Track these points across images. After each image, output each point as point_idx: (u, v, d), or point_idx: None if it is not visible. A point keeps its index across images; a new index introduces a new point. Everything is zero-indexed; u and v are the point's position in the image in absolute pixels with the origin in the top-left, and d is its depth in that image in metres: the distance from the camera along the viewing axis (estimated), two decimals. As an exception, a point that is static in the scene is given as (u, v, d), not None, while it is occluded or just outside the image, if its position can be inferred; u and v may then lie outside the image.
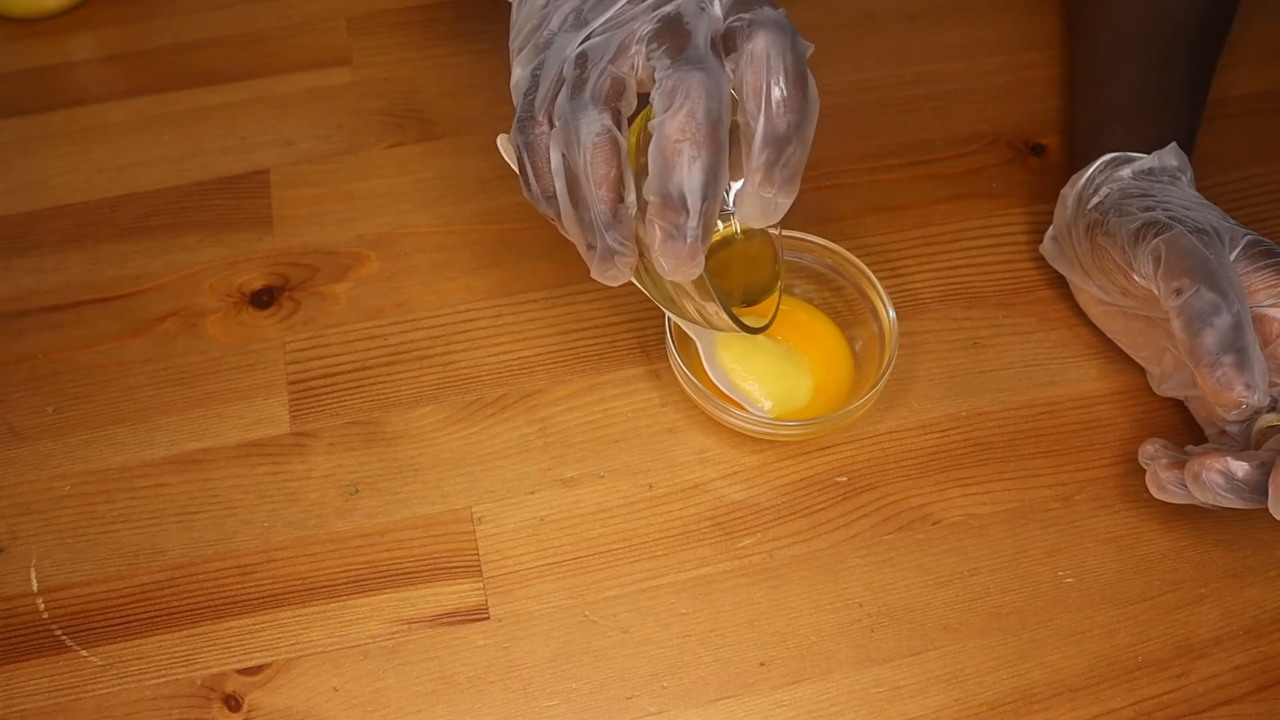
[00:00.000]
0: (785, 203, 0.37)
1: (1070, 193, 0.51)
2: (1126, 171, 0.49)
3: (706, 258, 0.37)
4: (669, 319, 0.49)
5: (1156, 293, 0.44)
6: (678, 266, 0.37)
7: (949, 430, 0.51)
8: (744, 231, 0.47)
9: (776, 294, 0.46)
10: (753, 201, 0.37)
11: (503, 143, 0.47)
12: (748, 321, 0.43)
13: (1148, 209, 0.46)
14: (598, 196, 0.37)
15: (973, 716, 0.44)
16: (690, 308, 0.42)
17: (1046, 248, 0.53)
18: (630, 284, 0.49)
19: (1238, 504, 0.42)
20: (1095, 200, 0.49)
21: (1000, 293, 0.55)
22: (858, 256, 0.51)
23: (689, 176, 0.35)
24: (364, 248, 0.56)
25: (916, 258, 0.56)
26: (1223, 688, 0.45)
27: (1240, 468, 0.42)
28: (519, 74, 0.41)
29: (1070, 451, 0.50)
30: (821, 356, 0.51)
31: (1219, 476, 0.42)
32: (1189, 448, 0.46)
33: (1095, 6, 0.59)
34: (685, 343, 0.50)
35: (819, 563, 0.47)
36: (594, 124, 0.37)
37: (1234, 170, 0.57)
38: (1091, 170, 0.50)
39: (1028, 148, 0.60)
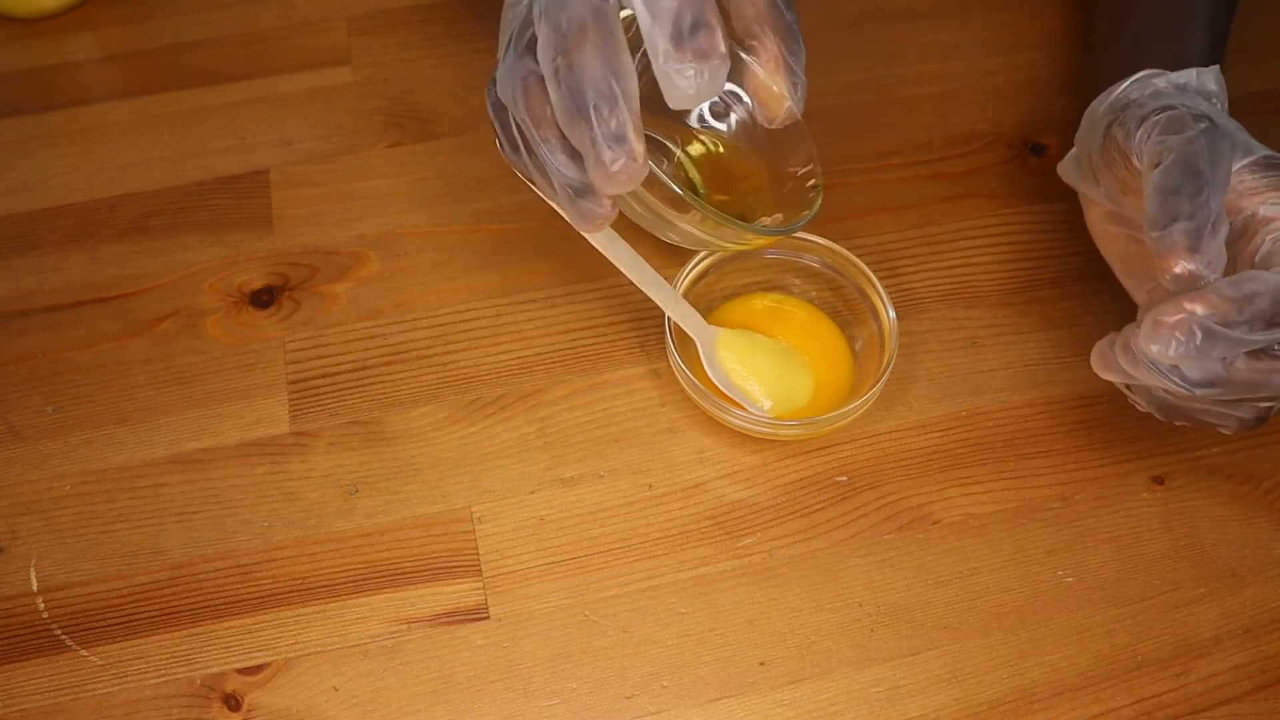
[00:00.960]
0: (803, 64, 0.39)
1: (1101, 104, 0.49)
2: (1161, 81, 0.48)
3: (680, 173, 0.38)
4: (669, 319, 0.49)
5: (1144, 168, 0.43)
6: (608, 179, 0.37)
7: (949, 430, 0.51)
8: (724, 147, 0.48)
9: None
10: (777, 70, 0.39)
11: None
12: (759, 234, 0.44)
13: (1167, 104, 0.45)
14: (538, 138, 0.38)
15: (972, 716, 0.44)
16: (686, 224, 0.42)
17: (1066, 165, 0.51)
18: (631, 284, 0.49)
19: (1162, 381, 0.40)
20: (1122, 104, 0.47)
21: (1000, 292, 0.55)
22: (858, 256, 0.51)
23: (570, 87, 0.36)
24: (364, 248, 0.56)
25: (916, 258, 0.56)
26: (1222, 687, 0.45)
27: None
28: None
29: (1070, 451, 0.50)
30: (821, 356, 0.51)
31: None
32: None
33: None
34: (685, 343, 0.50)
35: (819, 562, 0.47)
36: (519, 69, 0.38)
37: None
38: (1124, 85, 0.48)
39: (1028, 148, 0.60)
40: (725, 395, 0.49)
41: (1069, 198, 0.57)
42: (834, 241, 0.52)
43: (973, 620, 0.46)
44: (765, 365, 0.50)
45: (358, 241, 0.57)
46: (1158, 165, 0.42)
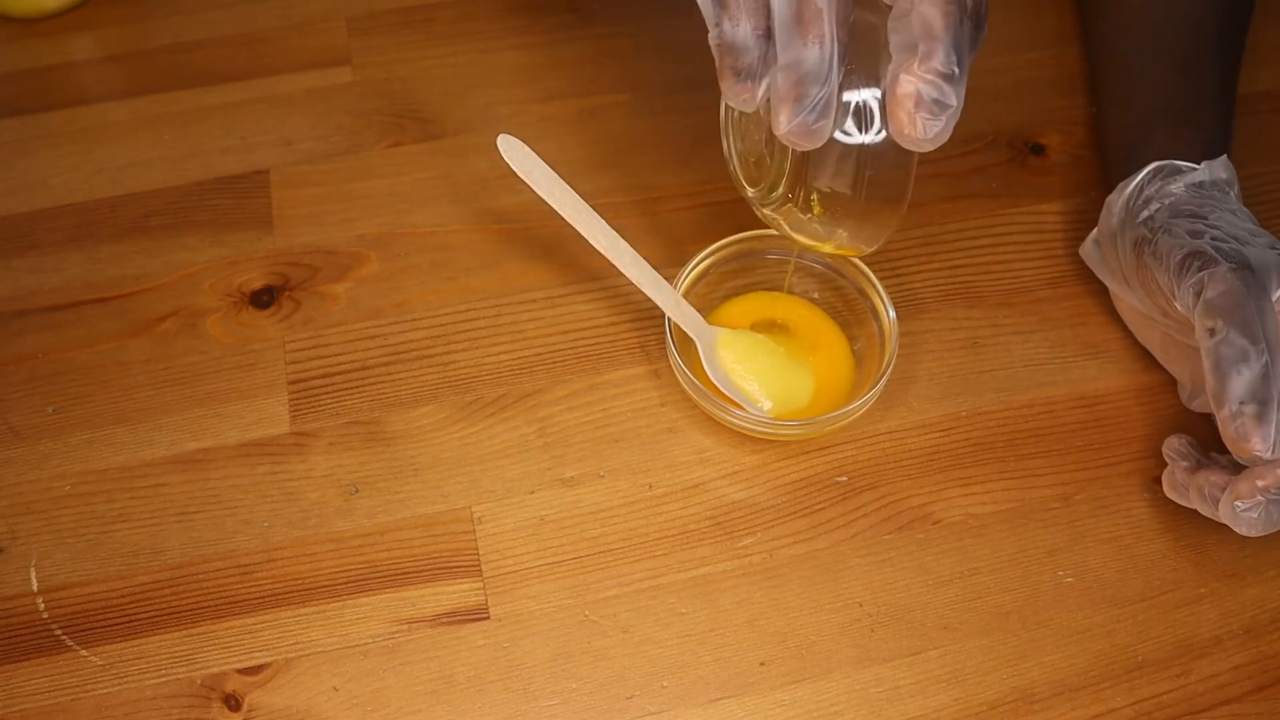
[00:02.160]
0: (954, 106, 0.35)
1: (1117, 200, 0.50)
2: (1178, 186, 0.49)
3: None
4: (669, 319, 0.49)
5: (1194, 324, 0.44)
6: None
7: (949, 430, 0.51)
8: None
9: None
10: (929, 89, 0.35)
11: (503, 143, 0.48)
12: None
13: (1196, 234, 0.46)
14: (839, 36, 0.35)
15: (972, 716, 0.44)
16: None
17: (1087, 251, 0.52)
18: (631, 284, 0.49)
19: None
20: (1145, 214, 0.48)
21: (1000, 292, 0.55)
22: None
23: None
24: (364, 247, 0.56)
25: (916, 258, 0.56)
26: (1222, 687, 0.45)
27: None
28: None
29: (1070, 451, 0.50)
30: (822, 356, 0.51)
31: (1217, 492, 0.43)
32: (1213, 455, 0.46)
33: (1113, 7, 0.58)
34: (685, 343, 0.50)
35: (819, 562, 0.47)
36: None
37: (1237, 169, 0.57)
38: (1140, 178, 0.50)
39: (1028, 148, 0.60)
40: (725, 395, 0.49)
41: (1069, 197, 0.58)
42: (834, 241, 0.52)
43: (973, 620, 0.46)
44: (765, 365, 0.50)
45: (358, 241, 0.57)
46: (1212, 332, 0.43)
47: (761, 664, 0.45)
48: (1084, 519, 0.48)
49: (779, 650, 0.45)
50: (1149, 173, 0.50)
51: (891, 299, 0.50)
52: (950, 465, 0.50)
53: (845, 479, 0.49)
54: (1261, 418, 0.41)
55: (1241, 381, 0.41)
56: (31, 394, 0.52)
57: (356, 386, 0.52)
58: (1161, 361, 0.51)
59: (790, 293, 0.53)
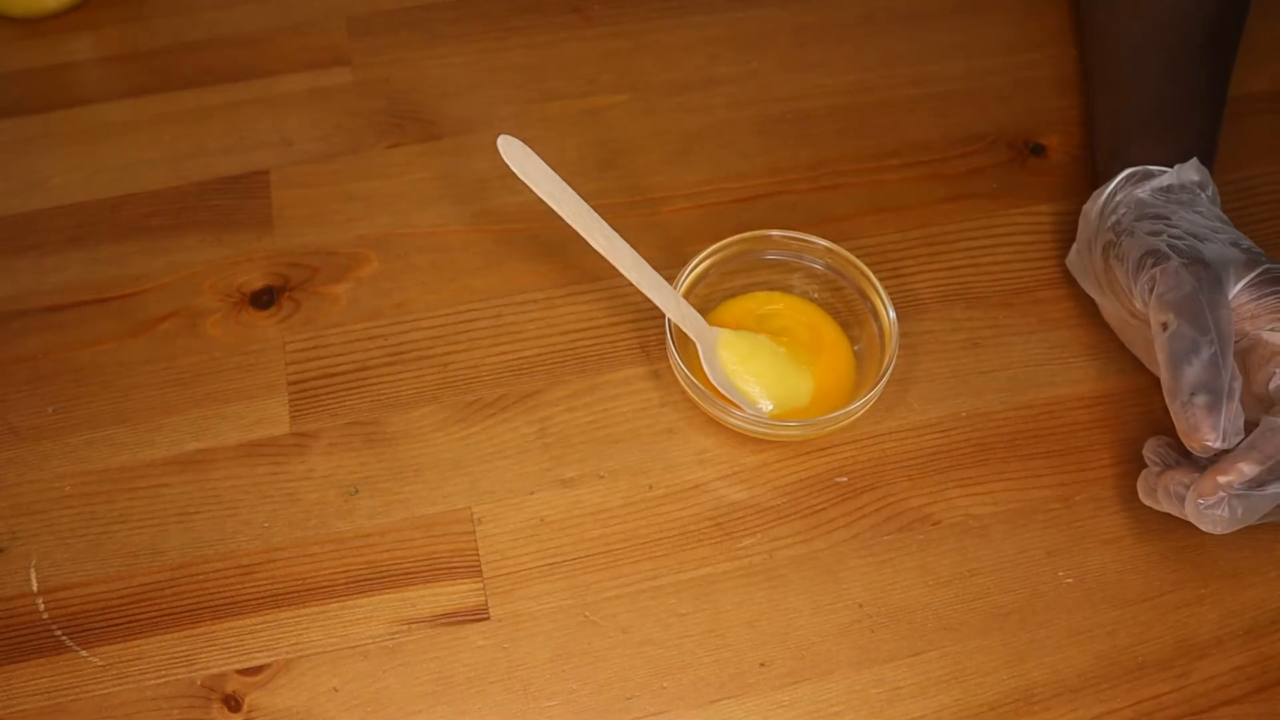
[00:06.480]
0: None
1: (1092, 209, 0.51)
2: (1145, 190, 0.49)
3: None
4: (669, 320, 0.49)
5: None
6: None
7: (949, 430, 0.51)
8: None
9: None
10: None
11: (502, 144, 0.47)
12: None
13: (1155, 233, 0.46)
14: None
15: (973, 717, 0.44)
16: None
17: (1072, 260, 0.53)
18: (631, 284, 0.49)
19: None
20: (1113, 219, 0.49)
21: (1000, 293, 0.55)
22: (858, 257, 0.51)
23: None
24: (364, 248, 0.56)
25: (916, 258, 0.56)
26: (1223, 688, 0.45)
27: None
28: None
29: (1070, 451, 0.50)
30: (822, 357, 0.51)
31: (1182, 490, 0.43)
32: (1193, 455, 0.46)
33: (1105, 14, 0.58)
34: (685, 343, 0.50)
35: (819, 563, 0.47)
36: None
37: (1234, 170, 0.57)
38: (1112, 186, 0.50)
39: (1027, 148, 0.60)
40: (725, 396, 0.49)
41: (1070, 198, 0.58)
42: (834, 242, 0.52)
43: (973, 621, 0.46)
44: (765, 366, 0.50)
45: (358, 241, 0.57)
46: (1165, 326, 0.43)
47: (761, 665, 0.45)
48: (1084, 520, 0.48)
49: (779, 651, 0.45)
50: (1122, 179, 0.50)
51: (892, 299, 0.50)
52: (950, 466, 0.50)
53: (845, 480, 0.49)
54: (1212, 408, 0.41)
55: (1192, 372, 0.42)
56: (31, 394, 0.52)
57: (356, 387, 0.52)
58: (1146, 364, 0.51)
59: (790, 293, 0.53)
